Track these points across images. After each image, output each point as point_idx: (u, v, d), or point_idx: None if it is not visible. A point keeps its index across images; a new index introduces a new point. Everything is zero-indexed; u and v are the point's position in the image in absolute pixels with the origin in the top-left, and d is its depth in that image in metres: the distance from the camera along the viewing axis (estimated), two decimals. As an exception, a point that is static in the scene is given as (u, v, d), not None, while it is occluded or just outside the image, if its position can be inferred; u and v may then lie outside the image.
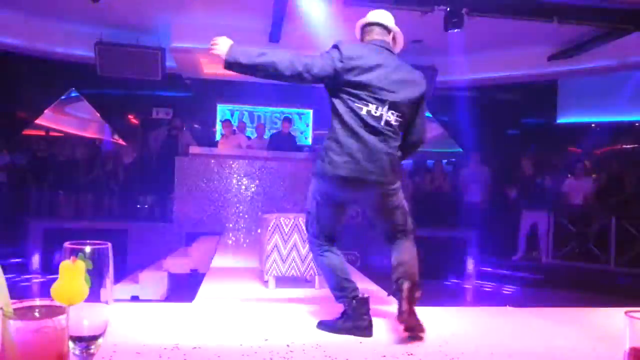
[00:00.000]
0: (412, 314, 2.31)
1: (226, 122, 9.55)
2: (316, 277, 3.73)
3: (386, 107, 2.40)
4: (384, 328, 2.50)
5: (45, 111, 10.58)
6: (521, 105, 10.92)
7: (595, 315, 2.97)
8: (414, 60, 4.69)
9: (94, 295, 0.91)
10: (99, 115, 11.03)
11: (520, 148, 9.89)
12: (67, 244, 0.93)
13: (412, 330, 2.28)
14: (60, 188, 9.11)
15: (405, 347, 2.20)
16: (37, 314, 0.80)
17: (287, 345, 2.18)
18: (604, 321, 2.69)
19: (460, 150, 11.25)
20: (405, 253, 2.54)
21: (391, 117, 2.42)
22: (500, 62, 9.41)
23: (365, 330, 2.36)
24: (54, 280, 0.86)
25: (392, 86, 2.42)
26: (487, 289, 8.04)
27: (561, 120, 10.91)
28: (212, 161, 7.86)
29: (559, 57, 9.01)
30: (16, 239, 7.96)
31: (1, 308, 0.77)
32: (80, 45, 9.01)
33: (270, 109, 11.58)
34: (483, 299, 7.59)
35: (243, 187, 7.80)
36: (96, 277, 0.93)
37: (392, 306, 2.61)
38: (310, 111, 11.67)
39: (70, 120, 11.10)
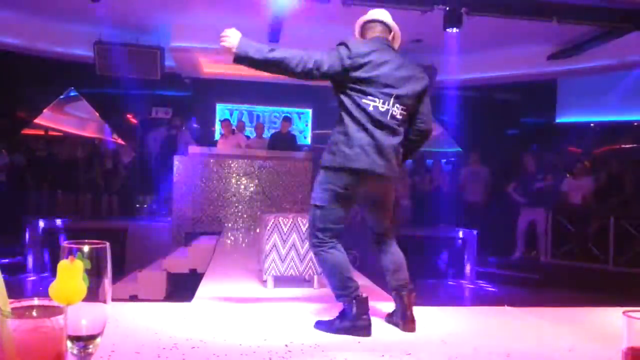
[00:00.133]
0: (414, 318, 2.48)
1: (225, 122, 9.56)
2: (315, 276, 3.72)
3: (392, 100, 2.45)
4: (382, 328, 2.50)
5: (45, 111, 10.58)
6: (520, 104, 10.93)
7: (593, 314, 2.97)
8: (414, 59, 4.67)
9: (92, 295, 0.91)
10: (98, 114, 11.04)
11: (520, 147, 9.89)
12: (65, 244, 0.93)
13: (412, 331, 2.44)
14: (59, 187, 9.11)
15: (403, 346, 2.20)
16: (35, 314, 0.79)
17: (286, 345, 2.18)
18: (603, 321, 2.69)
19: (460, 149, 11.24)
20: (397, 255, 2.62)
21: (396, 110, 2.46)
22: (500, 62, 9.41)
23: (364, 330, 2.37)
24: (52, 279, 0.86)
25: (398, 82, 2.47)
26: (485, 289, 8.05)
27: (560, 119, 10.91)
28: (211, 161, 7.84)
29: (558, 57, 9.01)
30: (15, 238, 7.96)
31: (-1, 308, 0.77)
32: (80, 45, 9.02)
33: (270, 108, 11.58)
34: (481, 298, 7.60)
35: (242, 186, 7.80)
36: (94, 277, 0.93)
37: (391, 306, 2.62)
38: (310, 111, 11.67)
39: (69, 119, 11.09)
